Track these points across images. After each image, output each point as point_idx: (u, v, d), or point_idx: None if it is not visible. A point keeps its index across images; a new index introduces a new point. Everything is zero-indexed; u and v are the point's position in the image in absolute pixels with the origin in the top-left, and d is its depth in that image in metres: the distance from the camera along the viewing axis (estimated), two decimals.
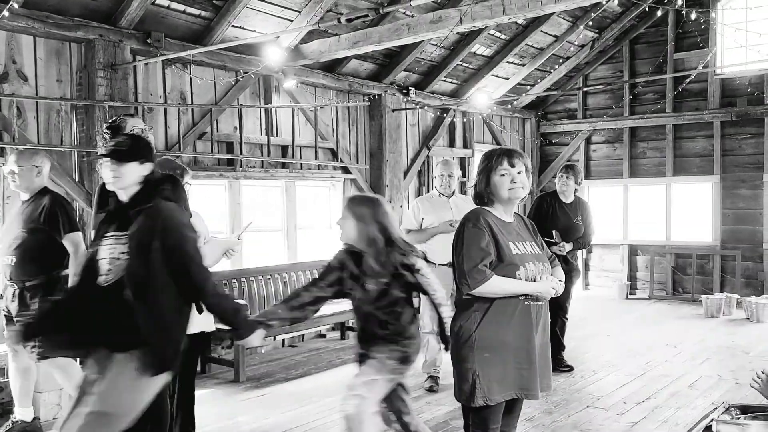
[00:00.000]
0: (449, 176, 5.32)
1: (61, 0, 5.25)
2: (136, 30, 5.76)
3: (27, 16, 5.04)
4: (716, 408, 3.04)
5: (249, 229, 4.33)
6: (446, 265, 4.92)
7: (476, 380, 2.72)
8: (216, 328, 3.93)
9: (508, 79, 9.87)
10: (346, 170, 8.08)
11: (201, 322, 3.83)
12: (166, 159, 4.21)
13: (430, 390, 5.40)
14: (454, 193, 5.42)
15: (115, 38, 5.62)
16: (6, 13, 4.10)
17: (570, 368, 6.01)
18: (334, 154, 7.96)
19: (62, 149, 5.48)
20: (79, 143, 5.60)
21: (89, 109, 5.58)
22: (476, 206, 2.96)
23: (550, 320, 5.72)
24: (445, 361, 3.80)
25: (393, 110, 8.45)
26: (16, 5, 4.02)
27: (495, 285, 2.72)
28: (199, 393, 4.13)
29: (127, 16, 5.59)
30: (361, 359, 3.24)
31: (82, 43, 5.57)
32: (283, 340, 7.22)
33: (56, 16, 5.25)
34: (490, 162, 2.89)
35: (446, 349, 3.11)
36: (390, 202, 8.37)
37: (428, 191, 9.08)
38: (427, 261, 5.32)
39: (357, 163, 8.22)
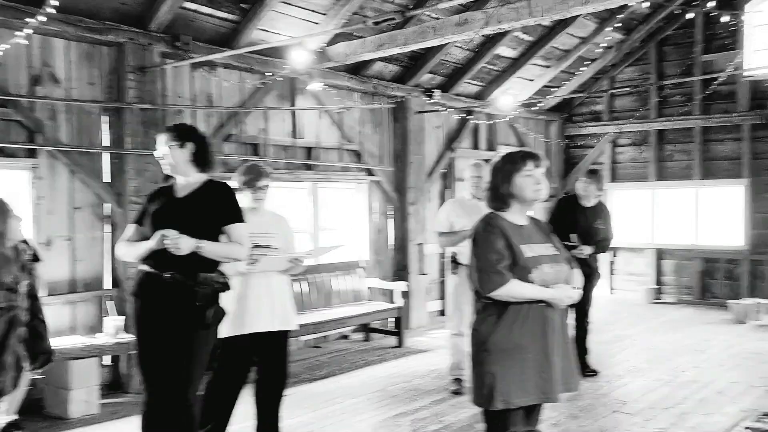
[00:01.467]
0: (479, 178, 5.30)
1: (92, 4, 5.35)
2: (165, 33, 5.84)
3: (60, 20, 5.14)
4: (748, 416, 2.99)
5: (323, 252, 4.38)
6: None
7: (494, 383, 2.71)
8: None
9: (533, 81, 9.83)
10: (370, 172, 8.10)
11: (256, 322, 3.87)
12: (251, 164, 4.16)
13: (456, 393, 5.39)
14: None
15: (144, 41, 5.70)
16: (42, 17, 4.18)
17: (595, 372, 5.95)
18: (359, 156, 7.99)
19: (92, 151, 5.58)
20: (109, 145, 5.70)
21: (119, 112, 5.67)
22: (490, 210, 2.94)
23: (571, 323, 5.73)
24: None
25: (417, 112, 8.45)
26: (50, 9, 4.10)
27: (512, 289, 2.72)
28: None
29: (156, 20, 5.68)
30: None
31: (112, 47, 5.66)
32: (307, 341, 7.25)
33: (88, 20, 5.34)
34: (513, 163, 2.88)
35: None
36: (414, 204, 8.38)
37: (452, 193, 9.07)
38: (458, 263, 5.32)
39: (381, 165, 8.24)
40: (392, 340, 7.42)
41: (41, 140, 5.28)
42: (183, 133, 3.36)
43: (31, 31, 4.42)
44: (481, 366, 2.77)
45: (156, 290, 3.21)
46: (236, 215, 3.33)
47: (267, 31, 6.54)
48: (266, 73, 6.67)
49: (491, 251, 2.75)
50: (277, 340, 3.97)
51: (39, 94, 5.28)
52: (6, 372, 3.06)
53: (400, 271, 8.34)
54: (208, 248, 3.17)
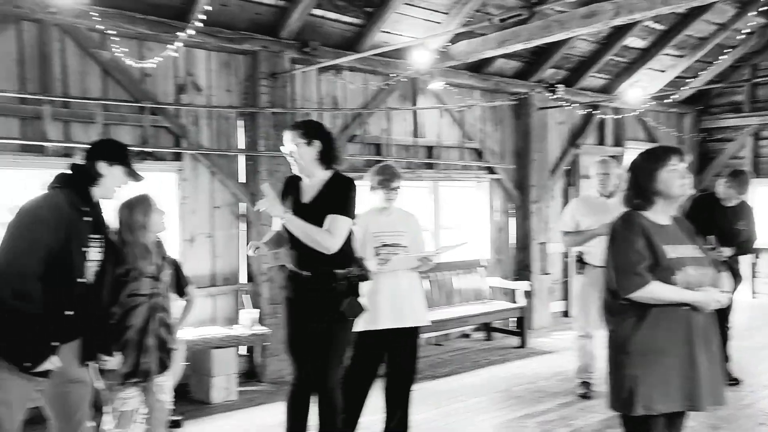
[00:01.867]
0: (605, 175, 5.12)
1: (230, 16, 5.70)
2: (295, 40, 6.10)
3: (202, 32, 5.49)
4: None
5: (448, 250, 4.47)
6: (603, 267, 4.74)
7: (634, 388, 2.61)
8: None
9: (664, 72, 9.31)
10: (491, 170, 8.04)
11: (386, 319, 3.96)
12: (385, 165, 4.22)
13: (583, 396, 5.24)
14: (612, 193, 5.18)
15: (276, 49, 6.00)
16: (191, 30, 4.52)
17: (737, 381, 5.56)
18: (480, 154, 7.95)
19: (229, 153, 5.95)
20: (244, 147, 6.05)
21: (253, 116, 6.00)
22: (627, 209, 2.83)
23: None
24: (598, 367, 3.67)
25: (539, 108, 8.27)
26: (197, 23, 4.42)
27: (653, 291, 2.60)
28: None
29: (287, 28, 5.95)
30: None
31: (247, 55, 6.00)
32: (429, 338, 7.31)
33: (226, 31, 5.70)
34: (657, 159, 2.77)
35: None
36: (536, 202, 8.21)
37: (576, 191, 8.79)
38: (585, 263, 5.17)
39: (502, 163, 8.15)
40: (514, 341, 7.32)
41: (186, 144, 5.69)
42: (310, 131, 3.36)
43: (181, 44, 4.79)
44: (621, 369, 2.67)
45: (298, 286, 3.42)
46: (342, 208, 3.29)
47: (390, 33, 6.66)
48: (389, 75, 6.80)
49: (631, 251, 2.65)
50: (407, 336, 4.04)
51: (184, 101, 5.70)
52: (149, 354, 3.32)
53: (522, 271, 8.21)
54: (293, 222, 3.23)
